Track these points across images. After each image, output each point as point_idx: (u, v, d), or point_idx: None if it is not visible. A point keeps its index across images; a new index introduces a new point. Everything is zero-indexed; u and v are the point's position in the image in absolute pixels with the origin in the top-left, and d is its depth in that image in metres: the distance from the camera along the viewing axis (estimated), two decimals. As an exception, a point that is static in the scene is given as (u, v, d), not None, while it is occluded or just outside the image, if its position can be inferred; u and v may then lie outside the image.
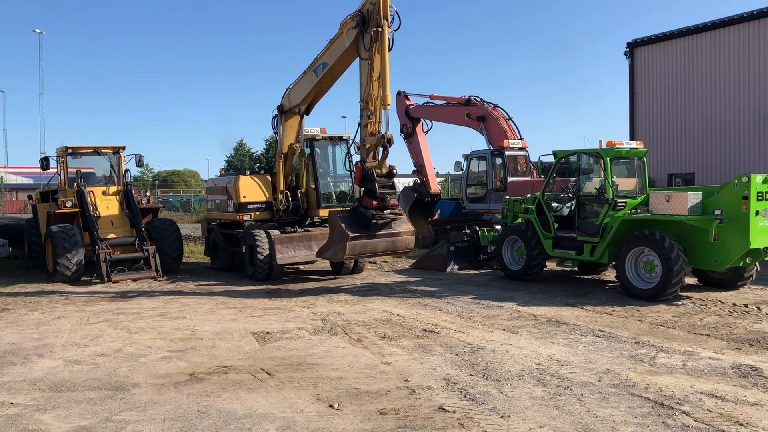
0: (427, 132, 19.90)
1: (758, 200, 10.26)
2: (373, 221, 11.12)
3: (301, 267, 15.64)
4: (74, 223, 14.45)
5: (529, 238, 12.88)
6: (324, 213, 13.91)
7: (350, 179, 14.17)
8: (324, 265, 15.18)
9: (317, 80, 12.97)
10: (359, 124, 11.56)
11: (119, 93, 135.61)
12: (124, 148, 15.75)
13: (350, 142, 14.43)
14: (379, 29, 10.99)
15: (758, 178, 10.32)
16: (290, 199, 14.37)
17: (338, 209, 12.04)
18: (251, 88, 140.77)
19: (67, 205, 14.53)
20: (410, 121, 19.68)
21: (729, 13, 25.09)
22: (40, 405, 5.95)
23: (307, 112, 14.19)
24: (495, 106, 18.83)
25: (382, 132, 11.12)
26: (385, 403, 5.87)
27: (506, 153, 17.64)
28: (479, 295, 11.55)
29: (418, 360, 7.33)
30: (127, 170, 15.62)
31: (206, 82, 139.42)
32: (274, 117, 14.54)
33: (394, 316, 9.81)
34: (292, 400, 5.99)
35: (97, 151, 15.54)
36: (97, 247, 13.66)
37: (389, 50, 11.06)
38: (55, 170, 15.69)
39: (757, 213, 10.24)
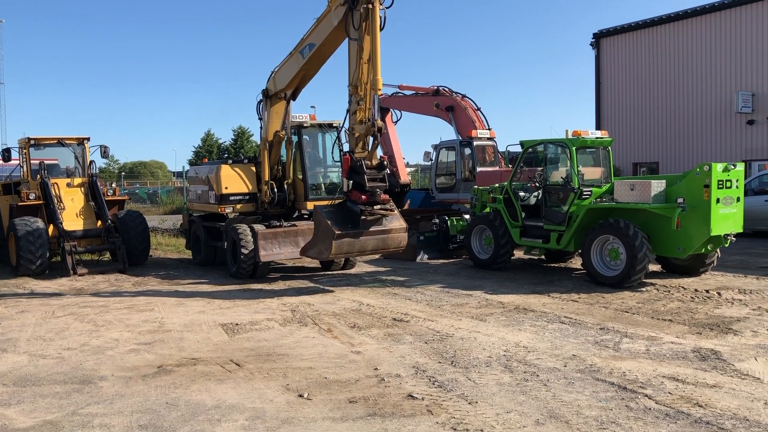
0: (396, 122, 19.81)
1: (719, 188, 10.50)
2: (362, 217, 10.25)
3: (288, 263, 14.86)
4: (38, 215, 14.19)
5: (497, 227, 13.01)
6: (312, 205, 12.85)
7: (339, 170, 12.99)
8: (313, 261, 14.17)
9: (304, 62, 12.05)
10: (347, 111, 10.71)
11: (83, 83, 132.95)
12: (88, 139, 15.50)
13: (340, 129, 13.16)
14: (370, 6, 10.12)
15: (719, 167, 10.55)
16: (276, 190, 13.46)
17: (324, 203, 11.12)
18: (219, 77, 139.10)
19: (31, 197, 14.26)
20: (379, 111, 19.66)
21: (693, 4, 25.47)
22: (4, 400, 5.88)
23: (294, 96, 13.24)
24: (464, 96, 18.92)
25: (373, 119, 10.21)
26: (354, 392, 5.92)
27: (474, 143, 17.74)
28: (448, 284, 11.65)
29: (388, 349, 7.39)
30: (92, 162, 15.37)
31: (172, 71, 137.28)
32: (258, 102, 13.60)
33: (364, 306, 9.85)
34: (261, 391, 6.00)
35: (60, 142, 15.26)
36: (61, 239, 13.45)
37: (380, 30, 10.22)
38: (18, 162, 15.37)
39: (717, 201, 10.48)
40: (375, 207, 10.37)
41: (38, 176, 14.51)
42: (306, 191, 13.27)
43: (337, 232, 10.11)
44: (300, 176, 13.46)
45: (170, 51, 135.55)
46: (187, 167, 22.49)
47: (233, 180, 13.50)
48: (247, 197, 13.59)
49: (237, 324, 8.76)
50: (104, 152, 15.61)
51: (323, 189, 13.60)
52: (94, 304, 10.37)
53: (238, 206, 13.53)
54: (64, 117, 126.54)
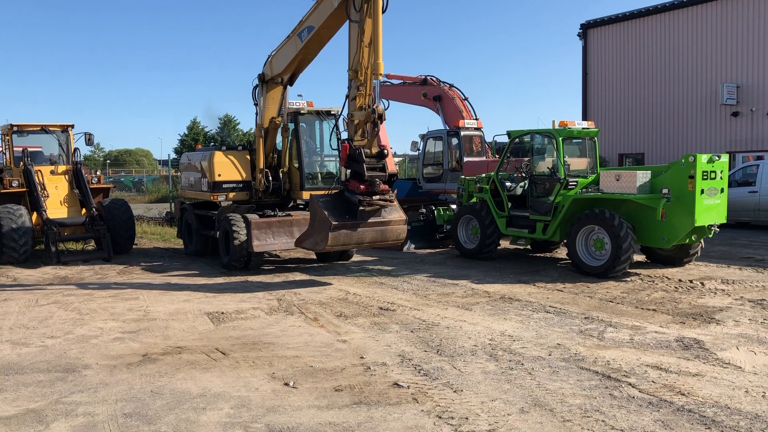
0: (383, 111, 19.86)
1: (704, 179, 10.58)
2: (360, 208, 9.81)
3: (283, 254, 14.47)
4: (21, 203, 14.05)
5: (483, 217, 13.04)
6: (308, 195, 12.44)
7: (337, 159, 12.83)
8: (308, 252, 13.56)
9: (302, 46, 11.55)
10: (346, 97, 10.33)
11: (68, 68, 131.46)
12: (72, 126, 15.33)
13: (338, 116, 12.82)
14: None
15: (704, 158, 10.62)
16: (271, 179, 13.00)
17: (321, 193, 10.63)
18: (205, 64, 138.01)
19: (14, 184, 14.12)
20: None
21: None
22: (-14, 388, 5.83)
23: (291, 82, 12.72)
24: (451, 86, 18.89)
25: (374, 105, 9.83)
26: (340, 380, 5.92)
27: (462, 133, 17.72)
28: (435, 274, 11.67)
29: (374, 337, 7.40)
30: (76, 149, 15.21)
31: (158, 58, 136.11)
32: (254, 87, 13.11)
33: (351, 295, 9.85)
34: (247, 379, 5.99)
35: (44, 129, 15.09)
36: (45, 228, 13.33)
37: (383, 12, 9.79)
38: (0, 149, 15.19)
39: (702, 192, 10.57)
40: (374, 197, 9.97)
41: (21, 163, 14.36)
42: (302, 180, 12.89)
43: (333, 223, 9.69)
44: (296, 165, 13.06)
45: (157, 38, 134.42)
46: (174, 155, 22.36)
47: (227, 167, 13.10)
48: (241, 185, 13.19)
49: (223, 313, 8.74)
50: (89, 140, 15.44)
51: (319, 178, 13.20)
52: (79, 293, 10.30)
53: (231, 194, 13.13)
54: (48, 104, 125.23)
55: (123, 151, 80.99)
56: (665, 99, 25.98)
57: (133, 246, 15.18)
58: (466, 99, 18.73)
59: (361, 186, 9.85)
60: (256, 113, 13.25)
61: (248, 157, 13.38)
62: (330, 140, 12.61)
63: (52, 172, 14.64)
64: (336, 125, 12.65)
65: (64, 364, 6.55)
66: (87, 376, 6.16)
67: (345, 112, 10.58)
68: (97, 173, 16.31)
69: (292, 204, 13.53)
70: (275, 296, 9.82)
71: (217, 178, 12.95)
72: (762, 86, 23.20)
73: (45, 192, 14.05)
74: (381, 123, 9.94)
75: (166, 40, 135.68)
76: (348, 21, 10.22)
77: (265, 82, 12.93)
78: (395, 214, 10.40)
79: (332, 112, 13.24)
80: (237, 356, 6.73)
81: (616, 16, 27.63)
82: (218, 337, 7.55)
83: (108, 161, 68.62)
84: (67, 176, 14.79)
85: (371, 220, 10.09)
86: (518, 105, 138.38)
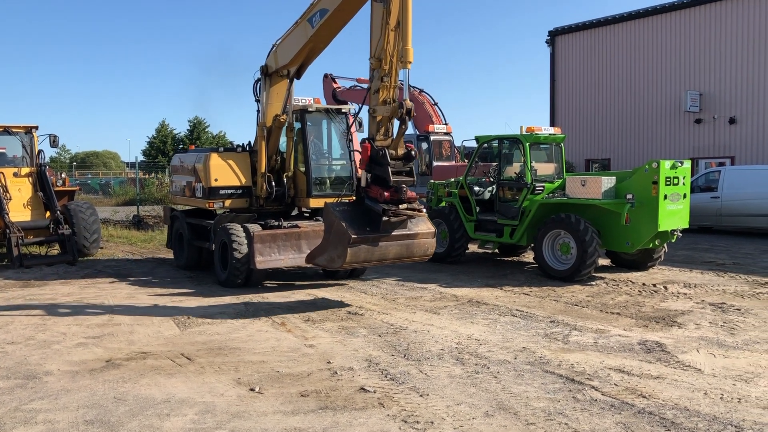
0: (355, 116, 19.91)
1: (667, 185, 10.79)
2: (384, 218, 8.34)
3: (284, 269, 11.74)
4: (-18, 206, 13.75)
5: (452, 221, 13.13)
6: (315, 203, 11.33)
7: (348, 162, 11.76)
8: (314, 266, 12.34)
9: (313, 32, 10.09)
10: (368, 90, 9.04)
11: (32, 67, 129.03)
12: (36, 127, 15.06)
13: (354, 112, 11.89)
14: None
15: (667, 164, 10.83)
16: (273, 184, 11.64)
17: (336, 200, 9.19)
18: (173, 62, 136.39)
19: (-26, 187, 13.82)
20: (337, 104, 19.65)
21: (646, 5, 26.07)
22: (-57, 396, 5.69)
23: (298, 75, 11.36)
24: (421, 90, 19.03)
25: (401, 99, 8.40)
26: (306, 386, 5.91)
27: (431, 138, 17.87)
28: (403, 277, 11.71)
29: (342, 342, 7.40)
30: (40, 151, 14.95)
31: (126, 56, 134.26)
32: (256, 81, 11.77)
33: (319, 300, 9.84)
34: (212, 385, 5.95)
35: (7, 131, 14.79)
36: (7, 231, 13.06)
37: None
38: (-39, 150, 14.86)
39: (665, 197, 10.77)
40: (400, 206, 8.47)
41: (-18, 165, 14.07)
42: (309, 186, 11.41)
43: (353, 237, 8.21)
44: (302, 169, 11.62)
45: (122, 36, 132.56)
46: (141, 158, 22.02)
47: (225, 171, 11.68)
48: (240, 191, 11.77)
49: (189, 317, 8.65)
50: (53, 141, 15.17)
51: (328, 184, 11.75)
52: (41, 297, 10.12)
53: (228, 201, 11.72)
54: (11, 104, 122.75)
55: (90, 153, 79.92)
56: (631, 106, 26.44)
57: (99, 249, 14.96)
58: (435, 104, 18.90)
59: (385, 193, 8.36)
60: (258, 110, 11.90)
61: (249, 159, 11.97)
62: (343, 141, 11.62)
63: (15, 174, 14.37)
64: (348, 124, 11.66)
65: (25, 370, 6.43)
66: (48, 382, 6.06)
67: (353, 110, 9.06)
68: (62, 175, 16.04)
69: (296, 213, 12.25)
70: (242, 300, 9.76)
71: (214, 183, 11.56)
72: (724, 94, 23.75)
73: (8, 194, 13.78)
74: (409, 120, 8.48)
75: (133, 35, 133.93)
76: (370, 1, 8.78)
77: (268, 75, 11.59)
78: (422, 225, 8.97)
79: (343, 110, 12.03)
80: (202, 361, 6.68)
81: (583, 24, 28.07)
82: (184, 342, 7.48)
83: (74, 163, 67.54)
84: (30, 178, 14.53)
85: (396, 232, 8.64)
86: (488, 110, 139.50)
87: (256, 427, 4.98)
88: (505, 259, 14.21)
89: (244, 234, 10.62)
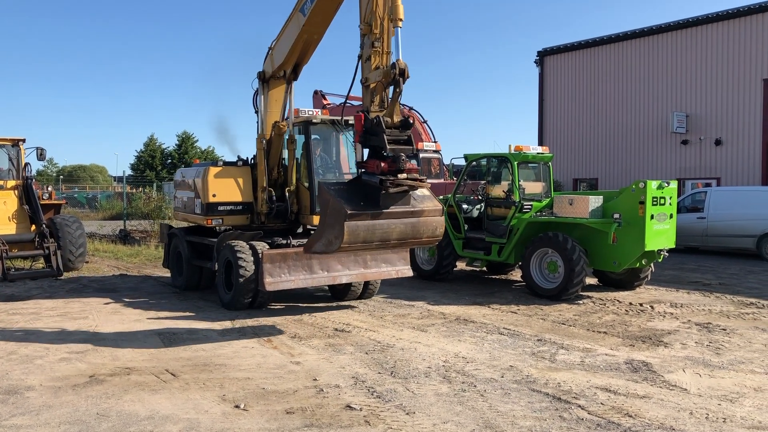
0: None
1: (653, 205, 10.86)
2: (383, 191, 7.37)
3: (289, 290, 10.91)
4: (-33, 218, 13.65)
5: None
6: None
7: (353, 165, 10.79)
8: (321, 288, 11.80)
9: (305, 21, 9.65)
10: (359, 57, 8.25)
11: (19, 80, 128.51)
12: (24, 140, 14.99)
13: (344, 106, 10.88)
14: None
15: (653, 184, 10.92)
16: (274, 199, 11.10)
17: (332, 182, 8.42)
18: (162, 78, 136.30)
19: (-40, 199, 13.71)
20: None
21: (633, 27, 26.42)
22: None
23: (295, 75, 10.98)
24: (410, 108, 19.12)
25: (393, 61, 7.64)
26: (292, 403, 5.86)
27: (420, 155, 17.91)
28: (391, 295, 11.68)
29: (328, 359, 7.35)
30: (27, 164, 14.86)
31: (115, 69, 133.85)
32: (255, 93, 11.29)
33: (306, 316, 9.79)
34: (196, 401, 5.89)
35: (-7, 143, 14.73)
36: (-8, 244, 12.94)
37: None
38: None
39: (652, 217, 10.84)
40: (399, 176, 7.58)
41: (-32, 178, 13.97)
42: (313, 202, 10.72)
43: (349, 212, 7.27)
44: (306, 184, 10.98)
45: (110, 51, 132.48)
46: (129, 172, 21.94)
47: (224, 186, 11.10)
48: (240, 207, 11.19)
49: (174, 333, 8.58)
50: (40, 155, 15.09)
51: None
52: (25, 311, 10.01)
53: (228, 218, 11.15)
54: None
55: (77, 166, 79.55)
56: (618, 126, 26.68)
57: (85, 264, 14.84)
58: (425, 122, 18.98)
59: (382, 164, 7.51)
60: (257, 122, 11.41)
61: (250, 173, 11.39)
62: (349, 156, 10.95)
63: (1, 187, 14.29)
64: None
65: (6, 385, 6.34)
66: (30, 398, 5.97)
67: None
68: (49, 189, 15.94)
69: (302, 230, 11.52)
70: (228, 317, 9.69)
71: (212, 199, 10.94)
72: (710, 116, 24.03)
73: (-8, 207, 13.68)
74: (404, 82, 7.69)
75: (122, 50, 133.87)
76: None
77: (265, 81, 11.12)
78: (428, 202, 7.89)
79: (350, 122, 11.06)
80: (187, 378, 6.61)
81: (572, 45, 28.36)
82: (168, 357, 7.40)
83: (61, 177, 67.18)
84: (16, 191, 14.43)
85: (398, 209, 7.60)
86: (476, 129, 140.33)
87: (241, 444, 4.93)
88: (493, 277, 14.22)
89: (250, 252, 10.12)
